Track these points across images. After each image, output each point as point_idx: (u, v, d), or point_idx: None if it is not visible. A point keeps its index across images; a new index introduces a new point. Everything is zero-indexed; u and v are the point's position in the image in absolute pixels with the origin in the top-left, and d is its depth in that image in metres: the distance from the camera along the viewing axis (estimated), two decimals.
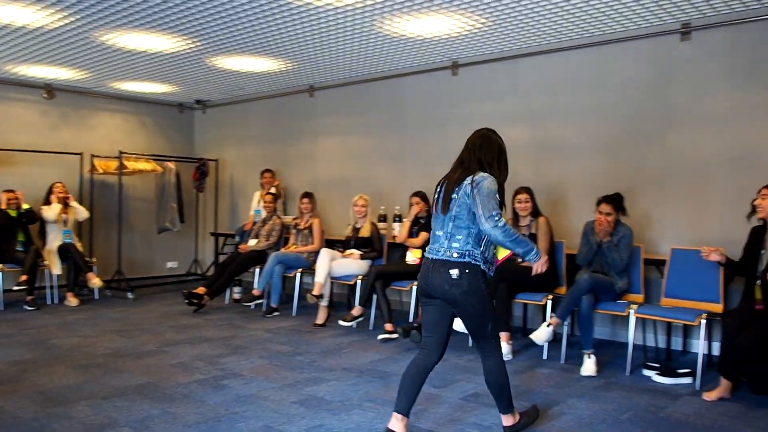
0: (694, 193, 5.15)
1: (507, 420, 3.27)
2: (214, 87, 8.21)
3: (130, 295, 7.52)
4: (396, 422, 3.09)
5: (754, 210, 4.07)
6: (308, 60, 6.65)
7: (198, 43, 6.01)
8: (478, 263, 3.02)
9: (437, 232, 3.15)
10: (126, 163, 8.01)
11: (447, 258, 3.04)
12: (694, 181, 5.16)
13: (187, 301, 6.56)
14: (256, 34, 5.67)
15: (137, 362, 4.61)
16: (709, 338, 4.67)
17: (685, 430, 3.40)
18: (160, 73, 7.38)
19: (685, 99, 5.22)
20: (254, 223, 7.42)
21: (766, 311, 3.86)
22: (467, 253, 3.02)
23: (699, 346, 4.32)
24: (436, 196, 3.22)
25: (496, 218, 2.94)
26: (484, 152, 3.14)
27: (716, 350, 4.59)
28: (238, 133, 9.06)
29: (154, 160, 8.39)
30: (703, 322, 4.26)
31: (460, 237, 3.04)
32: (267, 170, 8.00)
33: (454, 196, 3.08)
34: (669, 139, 5.28)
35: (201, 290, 6.62)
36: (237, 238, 7.86)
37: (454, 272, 3.00)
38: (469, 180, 3.06)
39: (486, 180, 3.03)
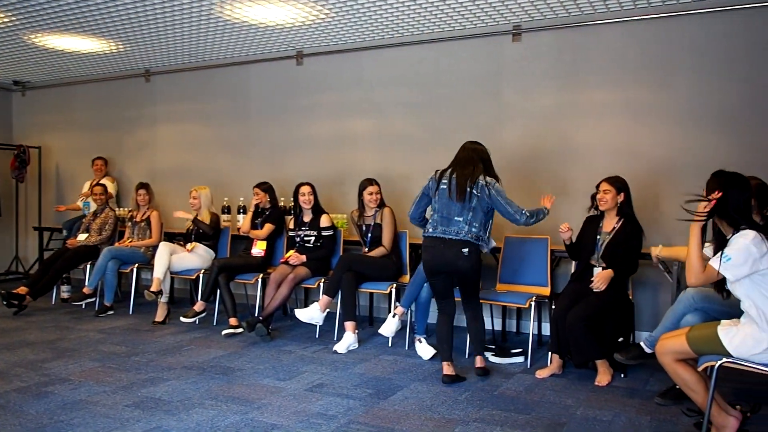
0: (524, 184, 5.50)
1: (479, 362, 4.14)
2: (35, 67, 7.49)
3: None
4: (448, 367, 4.03)
5: (593, 202, 4.40)
6: (143, 42, 6.26)
7: (13, 18, 5.43)
8: (479, 243, 3.96)
9: (455, 218, 3.93)
10: None
11: (468, 239, 3.90)
12: (523, 174, 5.51)
13: (5, 302, 5.94)
14: (81, 11, 5.23)
15: None
16: (539, 319, 5.06)
17: (516, 404, 3.63)
18: None
19: (515, 96, 5.57)
20: (84, 216, 6.89)
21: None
22: (479, 237, 3.95)
23: (530, 326, 4.65)
24: (444, 186, 3.98)
25: (522, 211, 3.96)
26: (483, 157, 4.01)
27: (546, 330, 4.96)
28: (65, 119, 8.34)
29: None
30: (533, 304, 4.58)
31: (476, 224, 3.93)
32: (98, 158, 7.52)
33: (474, 192, 3.89)
34: (501, 134, 5.59)
35: (22, 290, 6.06)
36: (65, 233, 7.27)
37: (466, 250, 3.91)
38: (482, 180, 3.90)
39: (497, 184, 3.94)
